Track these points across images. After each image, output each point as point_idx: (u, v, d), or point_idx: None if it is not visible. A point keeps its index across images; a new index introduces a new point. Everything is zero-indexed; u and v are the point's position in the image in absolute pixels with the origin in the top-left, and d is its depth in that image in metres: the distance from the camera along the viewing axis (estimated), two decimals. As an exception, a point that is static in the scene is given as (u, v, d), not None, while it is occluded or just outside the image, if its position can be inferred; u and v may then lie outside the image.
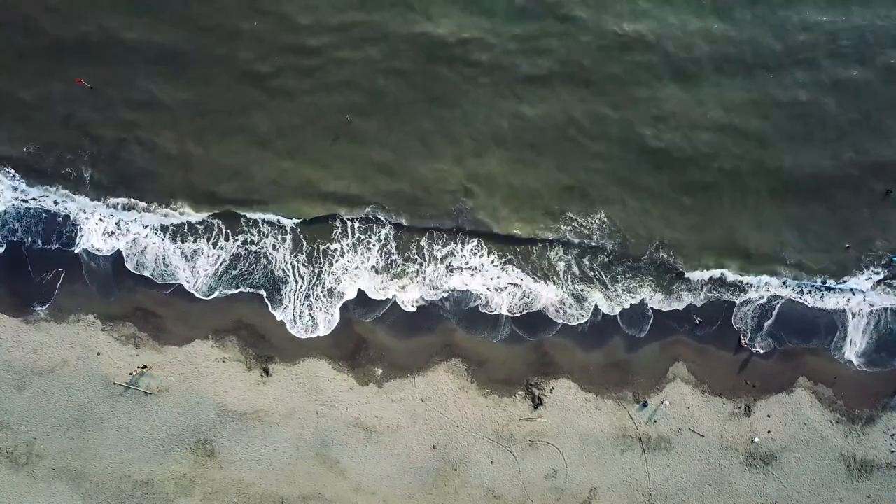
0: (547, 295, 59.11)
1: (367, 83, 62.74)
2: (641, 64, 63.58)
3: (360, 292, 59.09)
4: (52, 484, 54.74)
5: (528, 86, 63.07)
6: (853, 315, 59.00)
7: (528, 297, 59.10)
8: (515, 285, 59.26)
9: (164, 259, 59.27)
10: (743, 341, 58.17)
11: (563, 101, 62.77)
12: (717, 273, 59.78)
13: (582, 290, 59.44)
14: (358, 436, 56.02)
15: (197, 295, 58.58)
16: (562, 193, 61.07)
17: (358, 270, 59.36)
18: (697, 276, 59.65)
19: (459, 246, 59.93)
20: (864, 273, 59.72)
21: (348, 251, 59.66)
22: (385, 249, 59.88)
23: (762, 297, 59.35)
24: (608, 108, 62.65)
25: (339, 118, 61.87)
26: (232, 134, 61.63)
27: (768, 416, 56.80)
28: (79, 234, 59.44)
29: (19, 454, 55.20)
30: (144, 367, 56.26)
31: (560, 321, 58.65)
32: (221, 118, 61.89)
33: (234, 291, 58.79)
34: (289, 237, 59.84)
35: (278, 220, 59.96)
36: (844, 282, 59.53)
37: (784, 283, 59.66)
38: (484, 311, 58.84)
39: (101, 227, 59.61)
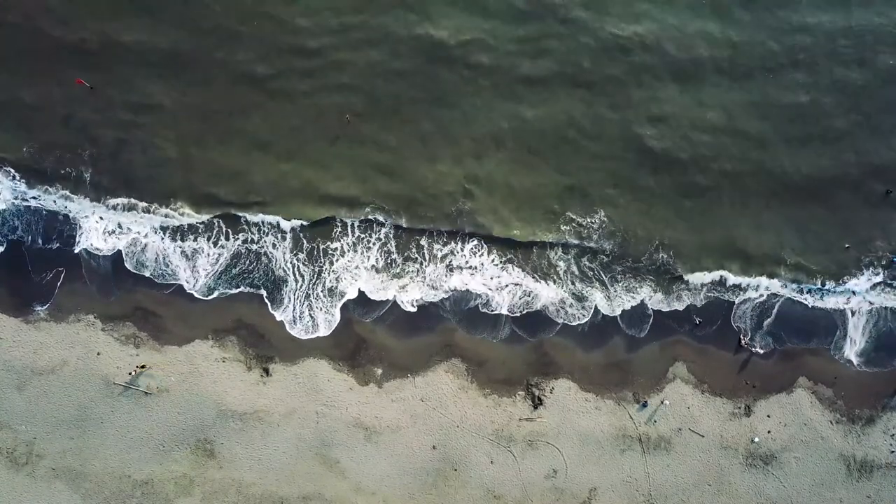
0: (547, 294, 59.16)
1: (366, 85, 62.81)
2: (641, 65, 63.66)
3: (361, 292, 59.12)
4: (52, 484, 54.72)
5: (528, 87, 63.13)
6: (853, 315, 59.03)
7: (529, 296, 59.14)
8: (516, 284, 59.32)
9: (164, 258, 59.32)
10: (743, 341, 58.20)
11: (563, 102, 62.83)
12: (716, 276, 59.73)
13: (582, 290, 59.49)
14: (358, 436, 56.02)
15: (197, 295, 58.58)
16: (561, 194, 61.11)
17: (358, 270, 59.41)
18: (696, 278, 59.63)
19: (459, 245, 59.99)
20: (864, 273, 59.74)
21: (348, 250, 59.73)
22: (385, 248, 59.93)
23: (762, 296, 59.39)
24: (608, 110, 62.73)
25: (339, 119, 61.91)
26: (232, 135, 61.68)
27: (768, 416, 56.80)
28: (79, 233, 59.47)
29: (19, 454, 55.19)
30: (143, 366, 56.27)
31: (560, 321, 58.68)
32: (221, 120, 61.92)
33: (235, 291, 58.82)
34: (289, 236, 59.90)
35: (278, 223, 59.97)
36: (844, 283, 59.54)
37: (784, 285, 59.63)
38: (484, 310, 58.87)
39: (101, 227, 59.64)
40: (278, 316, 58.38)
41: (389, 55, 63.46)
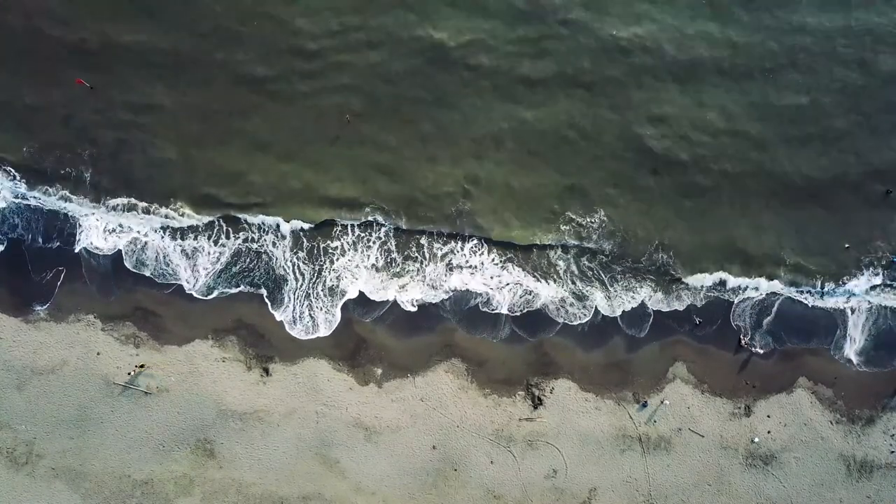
0: (547, 293, 59.17)
1: (366, 85, 62.82)
2: (641, 66, 63.67)
3: (361, 292, 59.11)
4: (52, 483, 54.71)
5: (528, 88, 63.14)
6: (853, 315, 59.03)
7: (529, 295, 59.14)
8: (516, 284, 59.31)
9: (164, 257, 59.33)
10: (743, 341, 58.21)
11: (563, 103, 62.83)
12: (716, 277, 59.71)
13: (582, 289, 59.49)
14: (358, 436, 56.01)
15: (196, 295, 58.58)
16: (561, 195, 61.12)
17: (358, 269, 59.43)
18: (696, 280, 59.64)
19: (459, 245, 60.01)
20: (864, 273, 59.74)
21: (348, 249, 59.74)
22: (385, 247, 59.94)
23: (761, 295, 59.41)
24: (608, 111, 62.75)
25: (339, 120, 61.89)
26: (231, 136, 61.69)
27: (768, 416, 56.80)
28: (79, 233, 59.47)
29: (19, 454, 55.18)
30: (142, 365, 56.27)
31: (561, 320, 58.69)
32: (221, 120, 61.93)
33: (235, 291, 58.83)
34: (289, 236, 59.92)
35: (277, 224, 59.94)
36: (844, 283, 59.53)
37: (784, 286, 59.60)
38: (484, 309, 58.89)
39: (101, 226, 59.61)
40: (278, 316, 58.39)
41: (389, 56, 63.47)
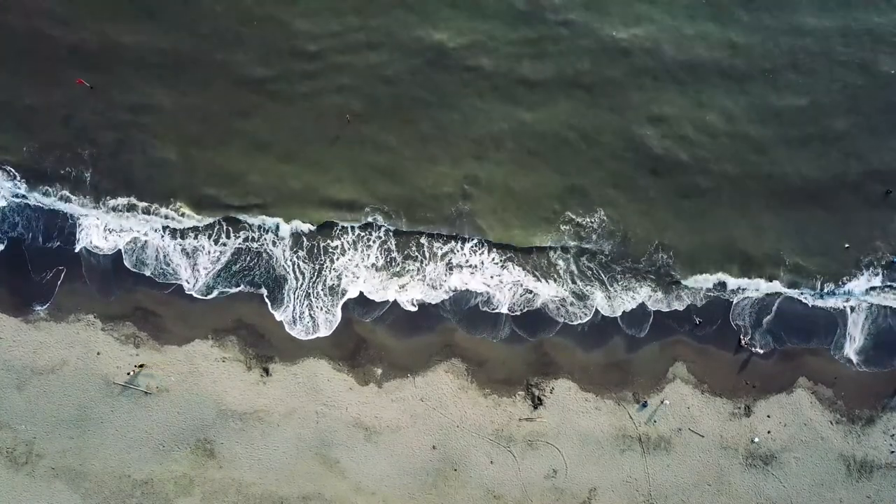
0: (548, 292, 59.17)
1: (366, 87, 62.83)
2: (640, 67, 63.72)
3: (361, 291, 59.10)
4: (52, 483, 54.70)
5: (528, 89, 63.17)
6: (853, 315, 59.03)
7: (529, 294, 59.12)
8: (516, 283, 59.30)
9: (164, 256, 59.32)
10: (743, 341, 58.22)
11: (563, 104, 62.87)
12: (715, 279, 59.67)
13: (582, 289, 59.49)
14: (358, 436, 56.00)
15: (196, 295, 58.56)
16: (560, 197, 61.11)
17: (358, 268, 59.43)
18: (695, 282, 59.61)
19: (459, 244, 60.02)
20: (863, 274, 59.76)
21: (349, 248, 59.74)
22: (385, 246, 59.94)
23: (761, 294, 59.42)
24: (607, 112, 62.78)
25: (339, 121, 61.86)
26: (231, 137, 61.68)
27: (768, 416, 56.80)
28: (79, 232, 59.46)
29: (19, 454, 55.17)
30: (142, 365, 56.27)
31: (561, 319, 58.69)
32: (221, 121, 61.92)
33: (235, 290, 58.81)
34: (288, 236, 59.87)
35: (277, 226, 59.91)
36: (844, 283, 59.53)
37: (784, 287, 59.60)
38: (485, 308, 58.89)
39: (101, 226, 59.60)
40: (278, 316, 58.36)
41: (389, 57, 63.51)
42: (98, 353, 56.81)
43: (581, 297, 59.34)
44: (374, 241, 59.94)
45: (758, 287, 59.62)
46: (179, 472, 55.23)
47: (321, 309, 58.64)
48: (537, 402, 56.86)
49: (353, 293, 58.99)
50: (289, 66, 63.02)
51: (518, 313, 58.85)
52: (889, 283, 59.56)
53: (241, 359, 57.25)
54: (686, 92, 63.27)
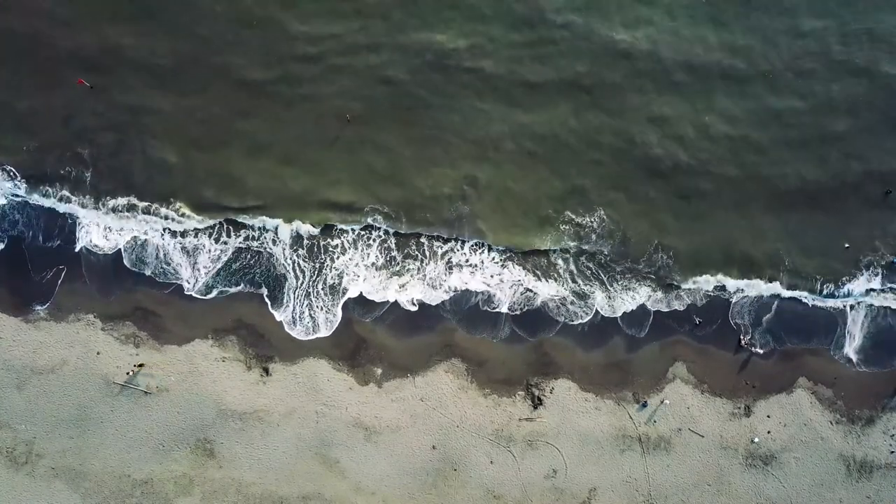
0: (548, 291, 59.16)
1: (366, 89, 62.84)
2: (640, 70, 63.72)
3: (361, 291, 59.07)
4: (52, 483, 54.71)
5: (527, 92, 63.22)
6: (853, 315, 59.03)
7: (529, 293, 59.09)
8: (516, 282, 59.26)
9: (165, 255, 59.30)
10: (743, 341, 58.21)
11: (562, 107, 62.92)
12: (715, 282, 59.63)
13: (583, 288, 59.47)
14: (358, 436, 56.00)
15: (196, 295, 58.55)
16: (560, 199, 61.16)
17: (358, 268, 59.41)
18: (693, 285, 59.56)
19: (459, 243, 60.02)
20: (863, 274, 59.75)
21: (349, 248, 59.72)
22: (385, 245, 59.93)
23: (761, 293, 59.45)
24: (606, 114, 62.84)
25: (338, 124, 61.86)
26: (231, 139, 61.67)
27: (768, 416, 56.80)
28: (79, 232, 59.44)
29: (19, 453, 55.18)
30: (141, 364, 56.29)
31: (561, 319, 58.69)
32: (221, 123, 61.92)
33: (235, 289, 58.79)
34: (288, 237, 59.84)
35: (276, 228, 59.84)
36: (844, 283, 59.51)
37: (784, 288, 59.63)
38: (485, 307, 58.90)
39: (101, 226, 59.58)
40: (278, 316, 58.36)
41: (389, 59, 63.46)
42: (98, 353, 56.82)
43: (581, 296, 59.35)
44: (374, 240, 59.94)
45: (758, 288, 59.60)
46: (179, 471, 55.24)
47: (321, 309, 58.64)
48: (537, 402, 56.86)
49: (353, 292, 58.98)
50: (288, 67, 63.07)
51: (518, 312, 58.85)
52: (889, 284, 59.52)
53: (241, 359, 57.25)
54: (686, 93, 63.32)
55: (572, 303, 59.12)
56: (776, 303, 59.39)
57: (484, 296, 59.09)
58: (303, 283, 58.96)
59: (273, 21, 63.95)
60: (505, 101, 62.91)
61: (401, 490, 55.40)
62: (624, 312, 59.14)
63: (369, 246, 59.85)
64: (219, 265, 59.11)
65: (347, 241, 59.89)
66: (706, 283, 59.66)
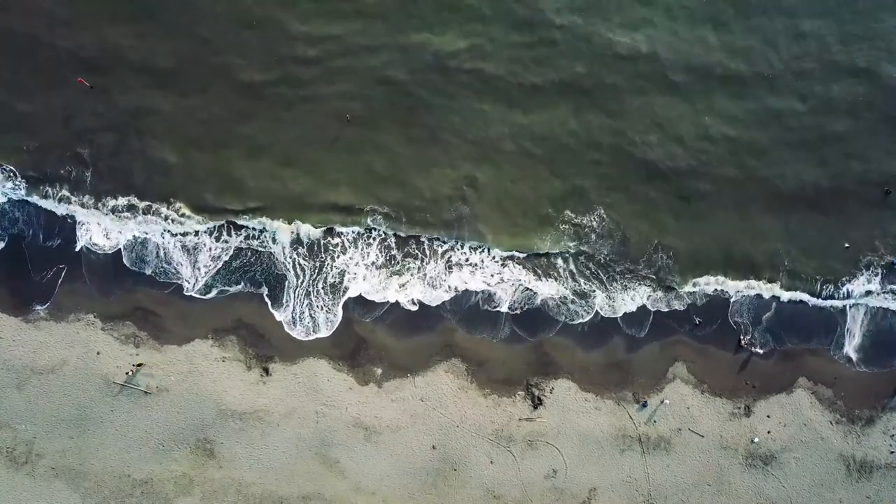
0: (548, 291, 59.15)
1: (366, 91, 62.82)
2: (639, 72, 63.74)
3: (361, 291, 59.07)
4: (52, 483, 54.70)
5: (527, 93, 63.21)
6: (853, 315, 59.04)
7: (530, 291, 59.05)
8: (516, 281, 59.24)
9: (165, 254, 59.25)
10: (743, 341, 58.22)
11: (562, 108, 62.92)
12: (714, 284, 59.60)
13: (583, 287, 59.45)
14: (358, 436, 56.01)
15: (196, 294, 58.53)
16: (560, 199, 61.16)
17: (358, 266, 59.39)
18: (693, 288, 59.52)
19: (459, 243, 60.00)
20: (863, 274, 59.76)
21: (349, 246, 59.69)
22: (385, 244, 59.91)
23: (760, 293, 59.48)
24: (606, 116, 62.83)
25: (338, 125, 61.83)
26: (231, 141, 61.65)
27: (768, 416, 56.81)
28: (79, 231, 59.40)
29: (19, 453, 55.17)
30: (140, 364, 56.27)
31: (562, 318, 58.68)
32: (220, 125, 61.87)
33: (235, 289, 58.74)
34: (288, 238, 59.83)
35: (276, 231, 59.78)
36: (844, 284, 59.52)
37: (784, 289, 59.63)
38: (485, 306, 58.88)
39: (101, 226, 59.53)
40: (278, 316, 58.34)
41: (388, 61, 63.43)
42: (98, 353, 56.81)
43: (581, 295, 59.34)
44: (374, 239, 59.94)
45: (758, 289, 59.58)
46: (179, 471, 55.24)
47: (321, 308, 58.64)
48: (537, 402, 56.87)
49: (353, 291, 58.96)
50: (288, 68, 63.04)
51: (518, 312, 58.84)
52: (889, 284, 59.52)
53: (241, 359, 57.25)
54: (685, 94, 63.35)
55: (573, 301, 59.13)
56: (776, 303, 59.37)
57: (484, 295, 59.10)
58: (303, 281, 58.96)
59: (273, 21, 63.91)
60: (504, 102, 62.91)
61: (401, 490, 55.40)
62: (624, 312, 59.11)
63: (369, 245, 59.85)
64: (219, 264, 59.10)
65: (347, 239, 59.88)
66: (706, 285, 59.58)
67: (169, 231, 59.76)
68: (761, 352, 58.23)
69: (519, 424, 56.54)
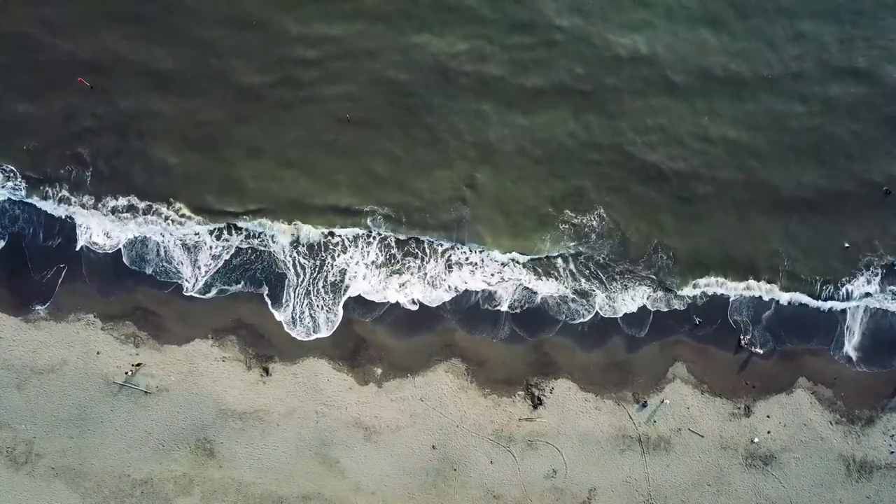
0: (548, 290, 59.16)
1: (365, 92, 62.92)
2: (639, 74, 63.91)
3: (361, 292, 59.10)
4: (52, 483, 54.63)
5: (526, 95, 63.34)
6: (853, 316, 59.06)
7: (530, 291, 59.05)
8: (517, 280, 59.25)
9: (165, 252, 59.25)
10: (743, 341, 58.23)
11: (561, 110, 63.07)
12: (714, 286, 59.63)
13: (583, 287, 59.45)
14: (357, 435, 55.98)
15: (196, 294, 58.54)
16: (560, 199, 61.21)
17: (358, 266, 59.40)
18: (692, 291, 59.54)
19: (459, 242, 60.07)
20: (863, 274, 59.81)
21: (349, 245, 59.70)
22: (385, 243, 59.92)
23: (760, 293, 59.55)
24: (605, 117, 62.97)
25: (338, 127, 61.96)
26: (230, 144, 61.68)
27: (768, 416, 56.81)
28: (79, 231, 59.40)
29: (19, 453, 55.12)
30: (139, 364, 56.25)
31: (562, 318, 58.68)
32: (220, 127, 61.92)
33: (235, 289, 58.70)
34: (288, 239, 59.86)
35: (275, 233, 59.79)
36: (844, 284, 59.56)
37: (784, 290, 59.67)
38: (485, 305, 58.86)
39: (101, 225, 59.51)
40: (278, 316, 58.27)
41: (389, 62, 63.56)
42: (98, 353, 56.79)
43: (582, 294, 59.35)
44: (374, 238, 59.95)
45: (757, 290, 59.62)
46: (179, 471, 55.20)
47: (321, 308, 58.64)
48: (537, 402, 56.86)
49: (353, 291, 58.96)
50: (288, 70, 63.12)
51: (518, 311, 58.84)
52: (889, 284, 59.56)
53: (241, 358, 57.24)
54: (685, 96, 63.49)
55: (573, 300, 59.12)
56: (775, 304, 59.39)
57: (484, 294, 59.11)
58: (303, 280, 58.96)
59: (273, 23, 64.05)
60: (504, 103, 63.05)
61: (401, 490, 55.37)
62: (624, 313, 59.12)
63: (369, 244, 59.87)
64: (220, 263, 59.09)
65: (347, 238, 59.91)
66: (706, 286, 59.59)
67: (169, 232, 59.75)
68: (761, 352, 58.24)
69: (519, 424, 56.53)
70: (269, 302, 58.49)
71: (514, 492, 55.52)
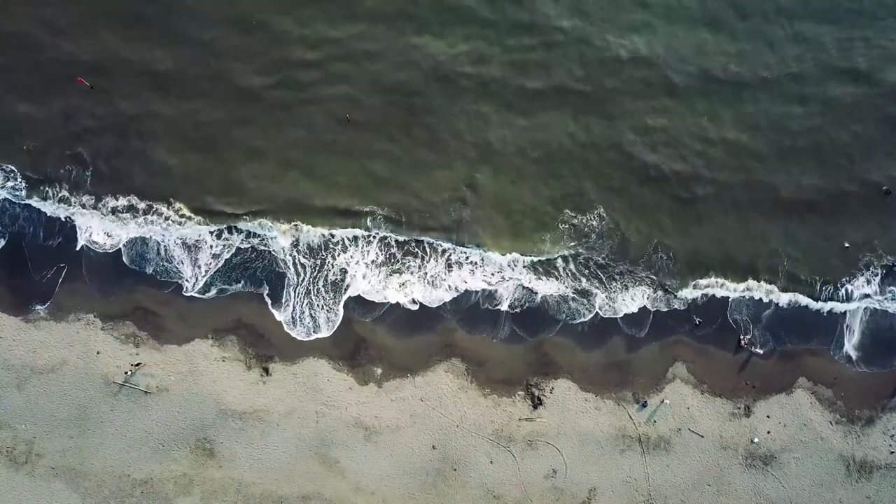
0: (548, 290, 59.17)
1: (365, 95, 62.94)
2: (638, 75, 63.97)
3: (360, 292, 59.11)
4: (52, 483, 54.57)
5: (526, 97, 63.38)
6: (853, 316, 59.08)
7: (530, 291, 59.05)
8: (517, 280, 59.26)
9: (165, 251, 59.23)
10: (743, 341, 58.25)
11: (561, 112, 63.09)
12: (714, 287, 59.67)
13: (583, 287, 59.47)
14: (357, 435, 55.96)
15: (196, 294, 58.53)
16: (560, 200, 61.25)
17: (358, 265, 59.41)
18: (692, 293, 59.57)
19: (460, 247, 60.09)
20: (863, 274, 59.85)
21: (349, 244, 59.71)
22: (385, 242, 59.92)
23: (760, 296, 59.55)
24: (605, 119, 63.02)
25: (338, 128, 61.97)
26: (230, 145, 61.68)
27: (768, 416, 56.81)
28: (79, 231, 59.38)
29: (19, 453, 55.08)
30: (138, 364, 56.23)
31: (562, 317, 58.68)
32: (221, 127, 61.94)
33: (235, 288, 58.68)
34: (288, 239, 59.88)
35: (275, 235, 59.82)
36: (843, 284, 59.61)
37: (783, 290, 59.71)
38: (485, 305, 58.86)
39: (101, 225, 59.51)
40: (278, 316, 58.25)
41: (387, 65, 63.57)
42: (98, 353, 56.77)
43: (582, 293, 59.36)
44: (374, 237, 59.95)
45: (757, 290, 59.63)
46: (179, 471, 55.16)
47: (321, 308, 58.63)
48: (537, 402, 56.85)
49: (353, 290, 58.96)
50: (288, 72, 63.16)
51: (518, 310, 58.85)
52: (889, 284, 59.60)
53: (241, 358, 57.22)
54: (684, 97, 63.55)
55: (573, 300, 59.13)
56: (775, 304, 59.41)
57: (484, 293, 59.12)
58: (303, 280, 58.96)
59: (272, 25, 64.08)
60: (504, 105, 63.12)
61: (401, 490, 55.34)
62: (624, 313, 59.15)
63: (369, 243, 59.89)
64: (220, 262, 59.07)
65: (348, 238, 59.92)
66: (707, 287, 59.62)
67: (169, 232, 59.72)
68: (761, 352, 58.26)
69: (519, 424, 56.52)
70: (269, 302, 58.50)
71: (514, 492, 55.50)
